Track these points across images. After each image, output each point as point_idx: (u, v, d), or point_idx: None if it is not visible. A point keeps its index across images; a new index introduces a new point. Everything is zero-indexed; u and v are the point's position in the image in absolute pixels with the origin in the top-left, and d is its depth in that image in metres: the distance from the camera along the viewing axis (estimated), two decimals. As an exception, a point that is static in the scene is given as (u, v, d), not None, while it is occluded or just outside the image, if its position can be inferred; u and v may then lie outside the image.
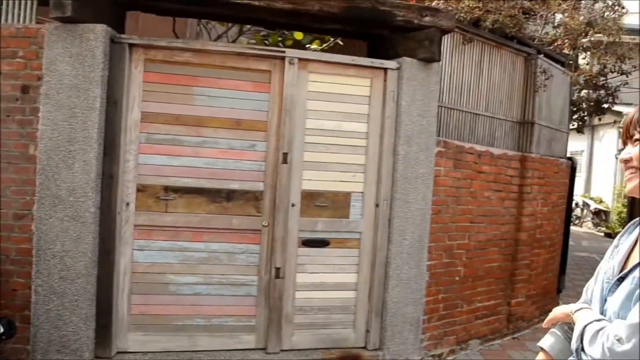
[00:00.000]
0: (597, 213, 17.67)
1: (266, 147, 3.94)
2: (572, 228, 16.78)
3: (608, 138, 17.70)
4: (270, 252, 4.00)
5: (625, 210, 13.87)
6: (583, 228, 18.06)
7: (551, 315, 1.62)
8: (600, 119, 12.69)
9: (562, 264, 7.29)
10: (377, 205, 4.21)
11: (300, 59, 3.95)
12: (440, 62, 4.53)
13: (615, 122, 16.31)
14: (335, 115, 4.09)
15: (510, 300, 5.62)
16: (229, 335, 3.99)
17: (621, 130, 1.47)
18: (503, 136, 5.50)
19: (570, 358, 1.45)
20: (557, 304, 6.91)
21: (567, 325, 1.58)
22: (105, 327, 3.72)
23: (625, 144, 1.47)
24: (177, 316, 3.89)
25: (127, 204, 3.74)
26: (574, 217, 18.47)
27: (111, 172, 3.67)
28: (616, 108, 13.22)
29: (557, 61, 6.41)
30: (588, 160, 19.26)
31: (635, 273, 1.34)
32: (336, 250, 4.17)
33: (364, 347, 4.29)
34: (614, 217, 16.50)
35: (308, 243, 4.09)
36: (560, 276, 7.22)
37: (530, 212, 5.69)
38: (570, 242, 13.09)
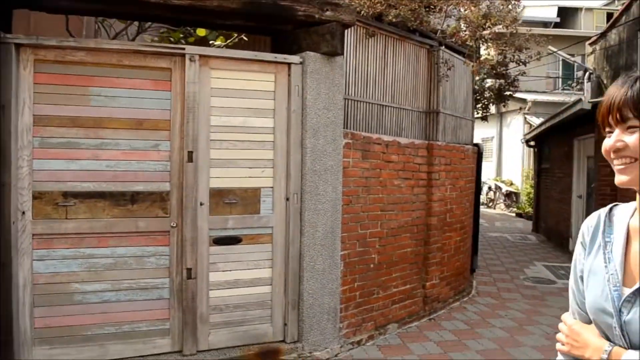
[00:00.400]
0: (508, 195, 18.67)
1: (170, 147, 3.86)
2: (486, 210, 17.72)
3: (515, 124, 18.71)
4: (181, 253, 3.93)
5: (533, 191, 14.72)
6: (496, 210, 19.02)
7: (571, 349, 1.36)
8: (505, 106, 13.39)
9: (474, 245, 7.65)
10: (287, 199, 4.24)
11: (201, 56, 3.90)
12: (345, 56, 4.62)
13: (520, 109, 17.27)
14: (241, 111, 4.08)
15: (425, 283, 5.83)
16: (142, 340, 3.88)
17: (601, 112, 1.28)
18: (410, 126, 5.68)
19: None
20: (471, 284, 7.27)
21: None
22: (7, 344, 3.53)
23: (605, 127, 1.29)
24: (85, 326, 3.74)
25: (23, 213, 3.55)
26: (488, 199, 19.44)
27: (2, 180, 3.47)
28: (518, 95, 14.03)
29: (458, 52, 6.69)
30: (498, 145, 20.29)
31: None
32: (249, 247, 4.16)
33: (283, 341, 4.32)
34: (523, 198, 17.50)
35: (219, 241, 4.06)
36: (473, 257, 7.58)
37: (439, 198, 5.92)
38: (485, 224, 13.80)
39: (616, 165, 1.27)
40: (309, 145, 4.24)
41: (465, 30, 7.02)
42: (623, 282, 1.25)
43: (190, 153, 3.88)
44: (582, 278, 1.38)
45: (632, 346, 1.19)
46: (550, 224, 12.26)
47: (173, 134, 3.86)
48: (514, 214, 17.65)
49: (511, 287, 7.63)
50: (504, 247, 11.25)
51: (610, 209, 1.39)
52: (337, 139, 4.44)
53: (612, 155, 1.27)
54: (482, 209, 11.36)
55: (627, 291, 1.22)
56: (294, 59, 4.19)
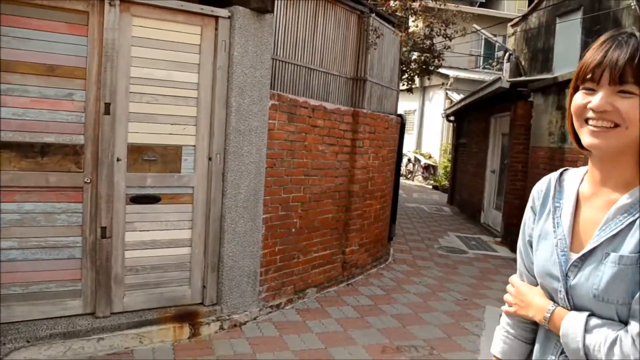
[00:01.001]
0: (426, 168, 19.29)
1: (85, 97, 3.61)
2: (405, 181, 18.22)
3: (437, 99, 19.22)
4: (95, 210, 3.73)
5: (450, 165, 15.26)
6: (414, 182, 19.62)
7: (518, 309, 1.38)
8: (429, 80, 13.71)
9: (393, 213, 7.84)
10: (210, 159, 4.12)
11: (122, 1, 3.64)
12: (275, 15, 4.49)
13: (442, 84, 17.74)
14: (164, 64, 3.88)
15: (344, 249, 5.91)
16: (51, 302, 3.68)
17: (590, 66, 1.19)
18: (337, 91, 5.66)
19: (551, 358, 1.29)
20: (389, 251, 7.47)
21: (526, 325, 1.43)
22: None
23: (585, 82, 1.21)
24: (-14, 285, 3.50)
25: None
26: (407, 171, 20.00)
27: None
28: (441, 71, 14.39)
29: (388, 21, 6.71)
30: (419, 118, 20.81)
31: (610, 248, 1.18)
32: (168, 206, 4.02)
33: (201, 303, 4.25)
34: (440, 171, 18.15)
35: (137, 200, 3.89)
36: (391, 225, 7.77)
37: (362, 165, 5.98)
38: (403, 195, 14.19)
39: (590, 126, 1.19)
40: (234, 104, 4.12)
41: (395, 0, 7.05)
42: (570, 247, 1.26)
43: (107, 105, 3.65)
44: (530, 243, 1.39)
45: (575, 309, 1.22)
46: (465, 197, 12.81)
47: (89, 84, 3.61)
48: (431, 186, 18.29)
49: (426, 255, 7.92)
50: (421, 217, 11.64)
51: (561, 174, 1.38)
52: (264, 100, 4.34)
53: (590, 114, 1.19)
54: (401, 180, 11.64)
55: (574, 256, 1.23)
56: (222, 12, 4.02)
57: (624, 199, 1.19)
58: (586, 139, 1.20)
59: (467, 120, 13.26)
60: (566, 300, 1.23)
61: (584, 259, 1.21)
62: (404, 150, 16.35)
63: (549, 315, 1.25)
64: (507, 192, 9.13)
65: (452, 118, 14.79)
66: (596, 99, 1.17)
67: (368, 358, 4.02)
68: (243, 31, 4.10)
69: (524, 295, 1.36)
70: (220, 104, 4.09)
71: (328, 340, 4.28)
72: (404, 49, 7.87)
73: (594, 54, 1.20)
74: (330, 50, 5.50)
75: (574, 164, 6.29)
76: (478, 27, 12.58)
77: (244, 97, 4.17)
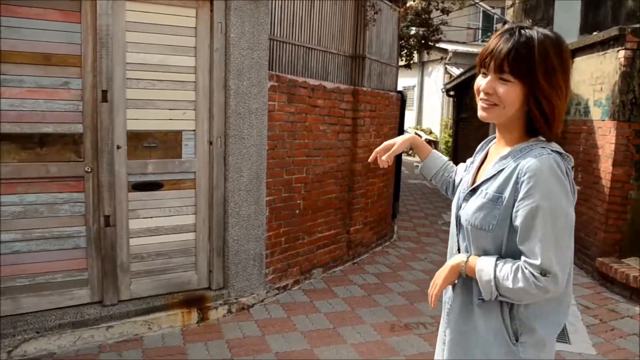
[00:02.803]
0: (428, 143, 19.19)
1: (82, 85, 3.56)
2: (406, 158, 18.16)
3: (436, 74, 19.07)
4: (97, 199, 3.71)
5: (451, 140, 15.19)
6: (416, 158, 19.50)
7: (439, 281, 1.62)
8: (429, 54, 13.57)
9: (396, 191, 7.82)
10: (210, 143, 4.08)
11: (114, -14, 3.57)
12: (270, -6, 4.41)
13: (441, 58, 17.58)
14: (160, 48, 3.82)
15: (349, 228, 5.91)
16: (59, 292, 3.68)
17: (483, 55, 1.48)
18: (336, 70, 5.59)
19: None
20: (393, 229, 7.47)
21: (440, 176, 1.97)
22: None
23: (482, 67, 1.50)
24: (-8, 278, 3.49)
25: None
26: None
27: None
28: (440, 45, 14.24)
29: (385, -3, 6.60)
30: (419, 94, 20.68)
31: (485, 187, 1.51)
32: (170, 192, 4.00)
33: (208, 288, 4.25)
34: (442, 147, 18.06)
35: (139, 187, 3.87)
36: (395, 203, 7.75)
37: (364, 144, 5.94)
38: (405, 171, 14.16)
39: (481, 103, 1.51)
40: (232, 87, 4.07)
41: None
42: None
43: (104, 92, 3.60)
44: (457, 188, 1.76)
45: (461, 234, 1.59)
46: (467, 172, 12.76)
47: (85, 71, 3.56)
48: (432, 162, 18.19)
49: (430, 231, 7.92)
50: (423, 193, 11.63)
51: (492, 139, 1.70)
52: (262, 81, 4.29)
53: (481, 94, 1.50)
54: (403, 156, 11.59)
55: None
56: (217, -7, 3.95)
57: (504, 151, 1.52)
58: (478, 112, 1.53)
59: (468, 95, 13.15)
60: (457, 225, 1.62)
61: (472, 193, 1.57)
62: (404, 127, 16.28)
63: (464, 264, 1.53)
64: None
65: (452, 93, 14.68)
66: (484, 83, 1.49)
67: (377, 336, 4.03)
68: (239, 12, 4.03)
69: (435, 278, 1.63)
70: (219, 87, 4.04)
71: (336, 319, 4.29)
72: (402, 25, 7.76)
73: (489, 43, 1.49)
74: (328, 28, 5.42)
75: (577, 135, 6.24)
76: (476, 0, 12.40)
77: (242, 79, 4.11)
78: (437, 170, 1.97)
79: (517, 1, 12.19)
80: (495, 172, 1.50)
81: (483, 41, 18.66)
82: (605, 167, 5.62)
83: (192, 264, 4.18)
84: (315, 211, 5.28)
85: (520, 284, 1.37)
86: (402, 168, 9.12)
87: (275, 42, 4.62)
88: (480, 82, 1.50)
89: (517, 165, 1.43)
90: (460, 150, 13.93)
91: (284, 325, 4.12)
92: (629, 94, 5.44)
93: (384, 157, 1.87)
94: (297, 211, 5.01)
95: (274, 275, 4.78)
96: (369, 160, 1.78)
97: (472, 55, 16.24)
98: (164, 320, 3.92)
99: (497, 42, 1.44)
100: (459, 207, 1.61)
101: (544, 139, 1.50)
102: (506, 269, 1.41)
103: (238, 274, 4.34)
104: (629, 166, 5.49)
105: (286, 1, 4.79)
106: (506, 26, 1.50)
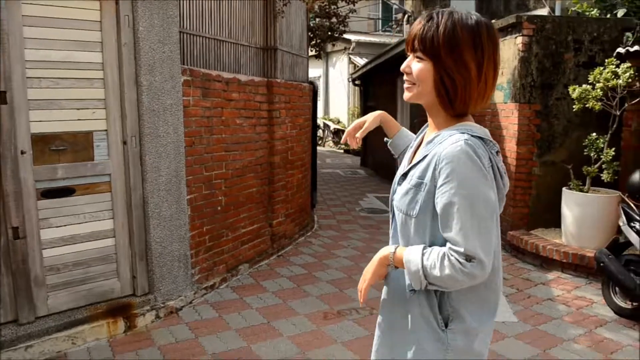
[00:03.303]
0: (336, 132, 19.48)
1: (-24, 86, 3.25)
2: (320, 149, 18.33)
3: (340, 64, 19.35)
4: (3, 210, 3.41)
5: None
6: (326, 147, 19.80)
7: (368, 275, 1.60)
8: (334, 45, 13.73)
9: (313, 181, 7.86)
10: (124, 143, 3.88)
11: (5, -23, 3.28)
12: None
13: (345, 49, 17.86)
14: (62, 44, 3.56)
15: (271, 221, 5.86)
16: (-36, 315, 3.36)
17: (407, 39, 1.51)
18: (248, 62, 5.49)
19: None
20: (313, 219, 7.51)
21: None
22: None
23: (408, 54, 1.52)
24: None
25: None
26: (318, 138, 20.13)
27: None
28: (346, 36, 14.46)
29: (291, -13, 6.57)
30: (325, 85, 20.91)
31: (412, 172, 1.51)
32: (84, 197, 3.76)
33: (133, 295, 4.06)
34: (351, 136, 18.36)
35: (49, 194, 3.59)
36: (313, 193, 7.79)
37: (281, 136, 5.91)
38: (317, 161, 14.28)
39: (404, 83, 1.54)
40: (144, 83, 3.89)
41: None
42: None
43: (2, 93, 3.30)
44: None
45: (395, 218, 1.60)
46: (378, 159, 13.08)
47: (-22, 72, 3.25)
48: (342, 151, 18.52)
49: (349, 218, 8.05)
50: (337, 182, 11.79)
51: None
52: (176, 76, 4.13)
53: (404, 76, 1.53)
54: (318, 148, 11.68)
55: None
56: (121, -15, 3.74)
57: (431, 136, 1.52)
58: (404, 94, 1.56)
59: (374, 84, 13.46)
60: (391, 209, 1.63)
61: (403, 178, 1.56)
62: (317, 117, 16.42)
63: (392, 256, 1.52)
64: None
65: (358, 82, 14.96)
66: (404, 63, 1.52)
67: (312, 326, 4.03)
68: (146, 4, 3.84)
69: (364, 273, 1.61)
70: (130, 83, 3.84)
71: (269, 314, 4.25)
72: (310, 15, 7.77)
73: (412, 25, 1.51)
74: (238, 20, 5.30)
75: (482, 117, 6.56)
76: (376, -10, 12.68)
77: (154, 74, 3.93)
78: (405, 147, 1.92)
79: (414, -9, 12.60)
80: (421, 157, 1.49)
81: (384, 31, 19.16)
82: (510, 147, 5.97)
83: (113, 271, 3.96)
84: (237, 206, 5.19)
85: (447, 271, 1.37)
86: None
87: (185, 35, 4.45)
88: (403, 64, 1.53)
89: (436, 151, 1.43)
90: (369, 137, 14.20)
91: (216, 325, 4.02)
92: (527, 77, 5.80)
93: (357, 135, 1.87)
94: (219, 208, 4.89)
95: (201, 275, 4.64)
96: (340, 142, 1.79)
97: (374, 45, 16.62)
98: (89, 333, 3.69)
99: (417, 25, 1.46)
100: (393, 192, 1.61)
101: (470, 122, 1.50)
102: (433, 257, 1.40)
103: (163, 277, 4.17)
104: (532, 144, 5.86)
105: (193, -8, 4.63)
106: (424, 14, 1.51)
